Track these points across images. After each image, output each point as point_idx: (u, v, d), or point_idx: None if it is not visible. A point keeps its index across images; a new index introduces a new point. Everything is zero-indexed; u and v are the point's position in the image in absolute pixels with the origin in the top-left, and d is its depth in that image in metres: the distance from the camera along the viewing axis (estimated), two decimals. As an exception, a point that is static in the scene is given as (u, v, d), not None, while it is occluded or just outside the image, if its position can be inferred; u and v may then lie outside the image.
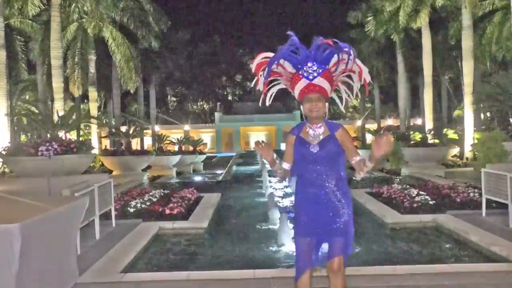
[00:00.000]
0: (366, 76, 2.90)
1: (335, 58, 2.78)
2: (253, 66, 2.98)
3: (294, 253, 3.11)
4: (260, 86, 2.98)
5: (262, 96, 3.04)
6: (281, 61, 2.84)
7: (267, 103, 3.06)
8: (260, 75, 2.95)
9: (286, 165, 2.98)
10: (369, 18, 22.75)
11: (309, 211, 2.86)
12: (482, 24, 19.69)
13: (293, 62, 2.83)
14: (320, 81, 2.76)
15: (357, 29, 25.99)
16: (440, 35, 22.15)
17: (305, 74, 2.76)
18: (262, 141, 2.89)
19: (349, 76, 2.97)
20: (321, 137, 2.82)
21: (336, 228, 2.79)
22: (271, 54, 2.90)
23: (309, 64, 2.76)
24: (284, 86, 3.03)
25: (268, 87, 3.02)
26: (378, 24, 22.35)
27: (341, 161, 2.86)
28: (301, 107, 2.87)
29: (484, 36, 19.54)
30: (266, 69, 2.88)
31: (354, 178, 10.18)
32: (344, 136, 2.82)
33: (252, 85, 3.07)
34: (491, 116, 25.10)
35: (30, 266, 3.18)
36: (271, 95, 3.07)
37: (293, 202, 3.03)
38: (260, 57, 2.96)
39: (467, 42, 17.43)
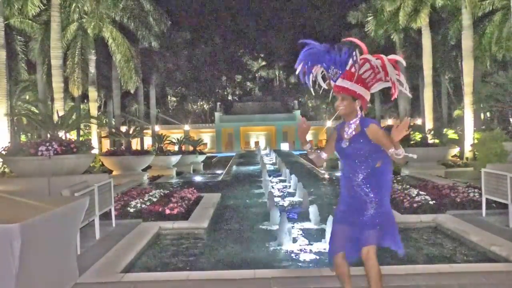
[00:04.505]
0: (392, 74, 3.05)
1: (351, 59, 2.97)
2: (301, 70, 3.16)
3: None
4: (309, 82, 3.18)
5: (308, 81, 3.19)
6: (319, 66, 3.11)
7: (324, 86, 3.26)
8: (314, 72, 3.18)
9: (323, 155, 3.24)
10: (369, 18, 22.73)
11: (345, 202, 3.09)
12: (482, 24, 19.68)
13: (325, 67, 3.08)
14: (342, 82, 3.00)
15: (357, 29, 25.97)
16: (440, 35, 22.13)
17: (331, 77, 3.04)
18: (305, 123, 3.16)
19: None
20: (353, 133, 3.02)
21: (363, 220, 2.97)
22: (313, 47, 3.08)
23: (332, 67, 3.01)
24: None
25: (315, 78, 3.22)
26: (378, 24, 22.33)
27: (376, 156, 2.98)
28: None
29: (484, 36, 19.53)
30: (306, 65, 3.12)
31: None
32: (375, 132, 2.94)
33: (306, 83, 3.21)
34: (491, 116, 25.11)
35: (30, 266, 3.18)
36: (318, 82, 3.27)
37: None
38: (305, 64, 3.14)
39: (467, 42, 17.43)
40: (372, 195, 2.96)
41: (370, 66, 3.01)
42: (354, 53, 2.95)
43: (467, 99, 17.38)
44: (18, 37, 20.24)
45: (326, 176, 15.10)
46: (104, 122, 28.40)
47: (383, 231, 3.01)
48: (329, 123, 44.92)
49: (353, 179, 3.01)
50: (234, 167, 20.76)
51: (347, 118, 3.07)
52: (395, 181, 11.79)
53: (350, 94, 3.00)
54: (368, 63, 3.00)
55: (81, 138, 23.60)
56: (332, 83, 3.04)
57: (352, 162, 3.01)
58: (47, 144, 8.35)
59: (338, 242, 3.05)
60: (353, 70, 2.99)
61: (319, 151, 3.26)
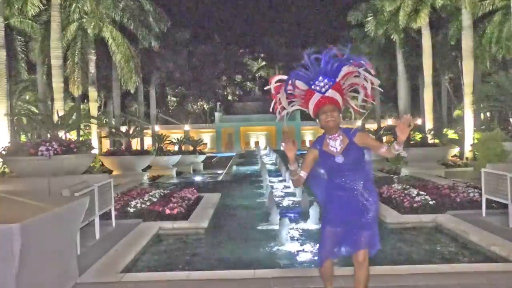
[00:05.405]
0: (370, 83, 3.04)
1: (343, 71, 2.96)
2: (271, 88, 3.18)
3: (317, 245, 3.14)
4: (282, 107, 3.17)
5: (279, 116, 3.22)
6: (296, 82, 3.04)
7: (284, 123, 3.27)
8: (278, 99, 3.17)
9: (303, 173, 3.11)
10: (369, 18, 22.74)
11: (339, 208, 3.01)
12: (482, 24, 19.69)
13: (305, 80, 3.01)
14: (332, 93, 2.95)
15: (357, 29, 25.98)
16: (440, 35, 22.14)
17: (317, 89, 2.95)
18: (290, 139, 3.00)
19: (356, 90, 3.14)
20: (342, 146, 2.99)
21: (365, 222, 2.97)
22: (284, 77, 3.12)
23: (320, 79, 2.95)
24: (298, 107, 3.22)
25: (285, 110, 3.20)
26: (378, 24, 22.35)
27: (366, 162, 3.05)
28: (317, 120, 3.05)
29: (484, 36, 19.53)
30: (282, 91, 3.09)
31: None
32: (364, 138, 3.01)
33: (271, 109, 3.27)
34: (491, 116, 25.11)
35: (30, 266, 3.18)
36: (287, 114, 3.25)
37: (323, 199, 3.18)
38: (274, 80, 3.18)
39: (467, 42, 17.42)
40: (370, 198, 3.00)
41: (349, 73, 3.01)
42: (361, 61, 2.98)
43: (467, 99, 17.38)
44: (18, 37, 20.21)
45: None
46: (104, 122, 28.34)
47: (375, 234, 3.04)
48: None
49: (355, 188, 2.98)
50: (234, 167, 20.77)
51: (331, 131, 3.00)
52: (395, 181, 11.80)
53: (338, 106, 2.99)
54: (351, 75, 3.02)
55: (81, 138, 23.58)
56: (319, 95, 2.95)
57: (351, 173, 2.98)
58: (47, 144, 8.35)
59: (329, 247, 3.04)
60: (342, 82, 3.01)
61: (299, 168, 3.12)
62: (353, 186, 2.98)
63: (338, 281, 3.95)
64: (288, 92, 3.09)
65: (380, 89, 3.16)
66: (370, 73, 3.00)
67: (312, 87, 2.97)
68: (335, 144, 3.00)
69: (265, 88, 3.27)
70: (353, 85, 3.08)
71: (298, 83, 3.05)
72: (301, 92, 3.08)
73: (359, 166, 3.01)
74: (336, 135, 3.01)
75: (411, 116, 2.85)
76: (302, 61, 3.04)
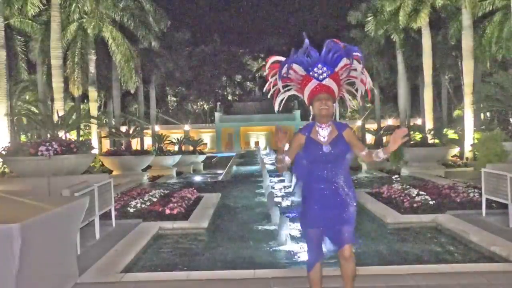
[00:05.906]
0: (368, 82, 3.10)
1: (343, 62, 2.97)
2: (266, 69, 3.18)
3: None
4: (277, 85, 3.14)
5: (274, 101, 3.22)
6: (294, 66, 3.01)
7: (276, 108, 3.24)
8: (272, 80, 3.16)
9: (287, 159, 3.08)
10: (369, 18, 22.74)
11: (319, 204, 3.00)
12: (482, 24, 19.69)
13: (304, 65, 3.01)
14: (329, 82, 2.95)
15: (357, 29, 25.98)
16: (440, 35, 22.14)
17: (315, 75, 2.95)
18: (284, 131, 2.93)
19: (352, 83, 3.17)
20: (331, 136, 2.99)
21: (345, 217, 2.98)
22: (282, 58, 3.10)
23: (319, 66, 2.95)
24: (293, 93, 3.20)
25: (280, 93, 3.19)
26: (378, 24, 22.35)
27: (348, 158, 3.07)
28: (311, 107, 3.03)
29: (484, 36, 19.53)
30: (278, 73, 3.05)
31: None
32: (351, 135, 3.03)
33: (264, 90, 3.27)
34: (491, 116, 25.09)
35: (30, 266, 3.18)
36: (282, 100, 3.23)
37: (302, 195, 3.14)
38: (271, 61, 3.17)
39: (467, 42, 17.43)
40: (350, 193, 3.02)
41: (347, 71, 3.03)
42: (350, 58, 2.97)
43: (467, 99, 17.38)
44: (18, 37, 20.20)
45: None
46: (104, 122, 28.35)
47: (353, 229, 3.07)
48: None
49: (336, 181, 2.98)
50: (234, 167, 20.78)
51: (322, 120, 2.99)
52: (395, 181, 11.79)
53: (333, 96, 2.99)
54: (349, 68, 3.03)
55: (81, 138, 23.58)
56: (316, 81, 2.95)
57: (334, 165, 2.98)
58: (47, 144, 8.36)
59: (316, 250, 3.04)
60: (340, 72, 3.01)
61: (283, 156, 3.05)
62: (334, 179, 2.98)
63: (337, 280, 3.95)
64: (285, 75, 3.06)
65: (375, 88, 3.19)
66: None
67: (310, 73, 2.97)
68: (324, 134, 3.00)
69: (262, 65, 3.30)
70: (350, 77, 3.09)
71: (296, 67, 3.03)
72: (298, 77, 3.06)
73: (342, 160, 3.01)
74: (327, 125, 3.00)
75: (407, 129, 2.87)
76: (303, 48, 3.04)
